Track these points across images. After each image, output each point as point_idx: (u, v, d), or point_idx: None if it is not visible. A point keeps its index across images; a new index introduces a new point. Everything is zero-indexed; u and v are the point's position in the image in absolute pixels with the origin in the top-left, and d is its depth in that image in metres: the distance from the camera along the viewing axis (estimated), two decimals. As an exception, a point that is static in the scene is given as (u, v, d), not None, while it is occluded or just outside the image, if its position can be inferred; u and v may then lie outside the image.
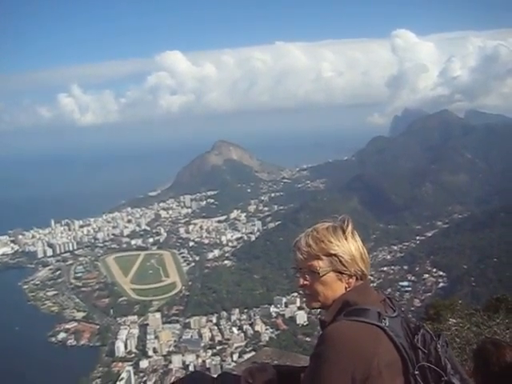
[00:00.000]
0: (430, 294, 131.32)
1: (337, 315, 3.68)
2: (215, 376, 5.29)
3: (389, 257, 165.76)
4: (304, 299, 4.21)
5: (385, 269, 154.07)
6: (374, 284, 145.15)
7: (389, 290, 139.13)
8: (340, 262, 3.72)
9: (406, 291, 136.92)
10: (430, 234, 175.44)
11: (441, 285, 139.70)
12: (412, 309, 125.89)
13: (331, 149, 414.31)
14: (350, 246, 3.82)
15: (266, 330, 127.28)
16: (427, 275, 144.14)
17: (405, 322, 3.60)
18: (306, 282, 3.87)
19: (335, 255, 3.74)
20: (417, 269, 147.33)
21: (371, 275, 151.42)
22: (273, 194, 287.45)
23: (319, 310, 4.07)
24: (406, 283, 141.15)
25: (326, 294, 3.79)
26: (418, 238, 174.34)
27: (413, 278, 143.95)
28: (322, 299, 3.85)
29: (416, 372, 3.34)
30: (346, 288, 3.76)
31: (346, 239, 3.85)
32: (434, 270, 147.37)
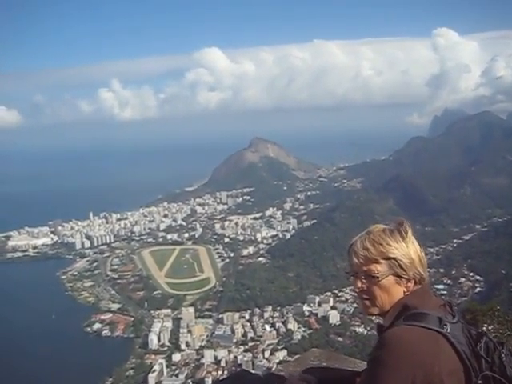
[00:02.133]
0: (466, 298, 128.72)
1: (395, 320, 3.52)
2: (261, 375, 5.24)
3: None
4: (360, 305, 3.98)
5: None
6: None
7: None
8: (399, 265, 3.60)
9: (442, 294, 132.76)
10: (467, 238, 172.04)
11: (477, 289, 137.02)
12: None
13: (369, 148, 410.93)
14: (408, 249, 3.72)
15: (299, 328, 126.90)
16: (464, 279, 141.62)
17: (466, 329, 3.43)
18: (363, 287, 3.70)
19: (394, 259, 3.62)
20: (453, 272, 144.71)
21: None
22: (309, 193, 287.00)
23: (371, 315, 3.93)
24: (441, 286, 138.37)
25: (384, 298, 3.63)
26: (455, 240, 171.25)
27: (449, 281, 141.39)
28: (380, 304, 3.68)
29: (479, 382, 3.17)
30: (404, 292, 3.62)
31: (404, 242, 3.76)
32: (471, 274, 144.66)
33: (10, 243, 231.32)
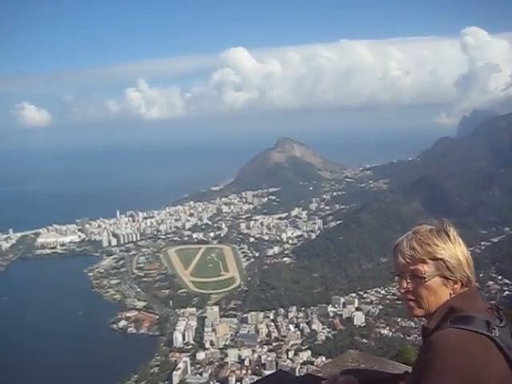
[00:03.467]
0: (494, 301, 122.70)
1: (441, 322, 3.45)
2: (299, 376, 5.20)
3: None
4: (405, 306, 3.95)
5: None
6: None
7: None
8: (446, 266, 3.54)
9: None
10: (496, 240, 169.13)
11: (506, 293, 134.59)
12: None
13: (396, 149, 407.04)
14: (456, 251, 3.65)
15: (323, 329, 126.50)
16: (491, 282, 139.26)
17: None
18: (408, 287, 3.63)
19: (442, 259, 3.55)
20: (481, 275, 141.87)
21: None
22: (335, 193, 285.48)
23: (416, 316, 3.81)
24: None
25: (430, 300, 3.57)
26: (483, 243, 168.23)
27: (476, 284, 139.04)
28: (426, 306, 3.63)
29: None
30: (450, 294, 3.58)
31: (451, 243, 3.66)
32: (499, 277, 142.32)
33: (39, 240, 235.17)
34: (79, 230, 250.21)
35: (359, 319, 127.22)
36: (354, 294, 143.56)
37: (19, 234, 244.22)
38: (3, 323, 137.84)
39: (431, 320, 3.62)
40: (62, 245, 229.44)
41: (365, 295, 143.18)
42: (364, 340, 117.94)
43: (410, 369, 4.45)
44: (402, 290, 3.70)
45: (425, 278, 3.50)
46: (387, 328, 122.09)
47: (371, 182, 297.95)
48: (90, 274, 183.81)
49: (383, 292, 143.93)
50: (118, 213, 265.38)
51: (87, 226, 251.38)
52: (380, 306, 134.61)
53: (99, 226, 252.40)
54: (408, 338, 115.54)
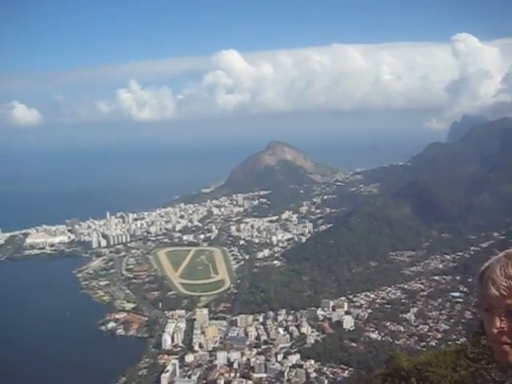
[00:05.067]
0: None
1: None
2: None
3: (441, 266, 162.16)
4: (496, 350, 3.09)
5: (436, 278, 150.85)
6: (425, 293, 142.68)
7: (439, 299, 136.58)
8: None
9: (458, 302, 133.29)
10: (485, 245, 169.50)
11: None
12: (463, 321, 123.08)
13: (386, 153, 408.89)
14: None
15: (312, 332, 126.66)
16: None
17: None
18: (503, 327, 2.91)
19: None
20: (470, 280, 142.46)
21: (421, 283, 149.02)
22: (325, 197, 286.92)
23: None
24: (457, 294, 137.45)
25: None
26: (472, 248, 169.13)
27: (465, 289, 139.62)
28: None
29: None
30: None
31: None
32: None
33: (28, 240, 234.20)
34: (69, 230, 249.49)
35: (348, 323, 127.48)
36: (343, 298, 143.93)
37: (8, 234, 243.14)
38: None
39: None
40: (51, 245, 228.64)
41: (354, 299, 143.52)
42: (353, 344, 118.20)
43: None
44: (495, 331, 2.94)
45: None
46: (376, 332, 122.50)
47: (362, 185, 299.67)
48: (79, 275, 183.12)
49: (373, 296, 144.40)
50: (108, 214, 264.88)
51: (77, 226, 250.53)
52: (369, 310, 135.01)
53: (89, 227, 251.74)
54: (397, 342, 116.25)
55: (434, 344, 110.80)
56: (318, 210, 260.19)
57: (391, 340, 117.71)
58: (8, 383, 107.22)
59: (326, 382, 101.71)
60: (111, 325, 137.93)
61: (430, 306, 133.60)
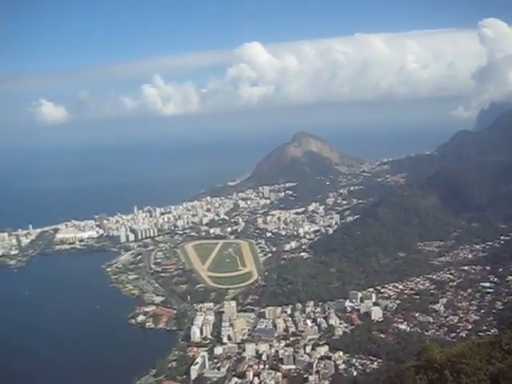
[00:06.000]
0: None
1: None
2: None
3: (470, 256, 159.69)
4: None
5: (466, 268, 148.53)
6: (454, 283, 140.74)
7: (469, 290, 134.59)
8: None
9: (488, 292, 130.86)
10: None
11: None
12: (493, 311, 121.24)
13: (413, 143, 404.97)
14: None
15: (340, 324, 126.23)
16: (511, 277, 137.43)
17: None
18: None
19: None
20: (500, 270, 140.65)
21: (450, 273, 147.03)
22: (352, 188, 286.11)
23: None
24: (487, 284, 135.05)
25: None
26: (502, 237, 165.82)
27: (495, 279, 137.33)
28: None
29: None
30: None
31: None
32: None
33: (58, 236, 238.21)
34: (97, 225, 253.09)
35: (377, 314, 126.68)
36: (371, 289, 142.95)
37: (39, 230, 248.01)
38: (24, 317, 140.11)
39: None
40: (81, 240, 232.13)
41: (382, 290, 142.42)
42: (382, 335, 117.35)
43: None
44: None
45: None
46: (405, 323, 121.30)
47: (388, 176, 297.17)
48: (108, 270, 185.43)
49: (401, 287, 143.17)
50: (135, 208, 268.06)
51: (105, 221, 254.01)
52: (398, 301, 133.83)
53: (117, 222, 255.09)
54: (426, 333, 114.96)
55: (464, 335, 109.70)
56: (344, 202, 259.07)
57: (420, 331, 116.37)
58: (44, 367, 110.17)
59: (355, 373, 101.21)
60: (141, 318, 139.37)
61: (459, 297, 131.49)
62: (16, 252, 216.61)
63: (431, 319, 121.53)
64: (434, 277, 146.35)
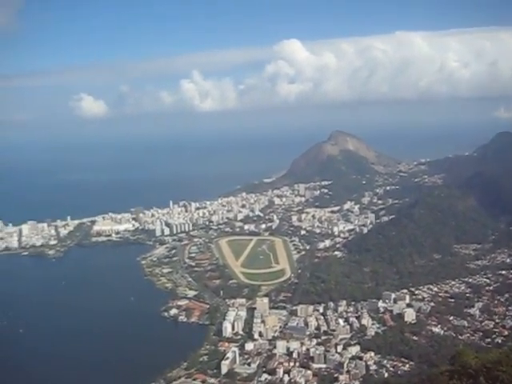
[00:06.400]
0: None
1: None
2: None
3: (508, 260, 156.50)
4: None
5: (503, 272, 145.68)
6: (491, 288, 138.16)
7: (506, 295, 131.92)
8: None
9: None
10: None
11: None
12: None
13: (452, 143, 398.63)
14: None
15: (373, 324, 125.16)
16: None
17: None
18: None
19: None
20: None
21: (487, 277, 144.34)
22: (388, 187, 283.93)
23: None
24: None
25: None
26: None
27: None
28: None
29: None
30: None
31: None
32: None
33: (95, 228, 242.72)
34: (133, 218, 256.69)
35: (410, 316, 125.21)
36: (405, 290, 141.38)
37: (76, 222, 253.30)
38: (61, 306, 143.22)
39: None
40: (117, 233, 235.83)
41: (416, 292, 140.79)
42: (414, 337, 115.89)
43: None
44: None
45: None
46: (439, 326, 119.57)
47: (426, 176, 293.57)
48: (143, 262, 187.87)
49: (435, 289, 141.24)
50: (171, 203, 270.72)
51: (141, 215, 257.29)
52: (432, 304, 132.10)
53: (153, 216, 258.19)
54: (460, 337, 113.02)
55: (499, 341, 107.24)
56: (380, 201, 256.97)
57: (454, 335, 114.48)
58: (83, 353, 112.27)
59: (386, 375, 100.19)
60: (173, 311, 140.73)
61: (496, 302, 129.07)
62: (55, 242, 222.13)
63: (466, 323, 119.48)
64: (470, 280, 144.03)
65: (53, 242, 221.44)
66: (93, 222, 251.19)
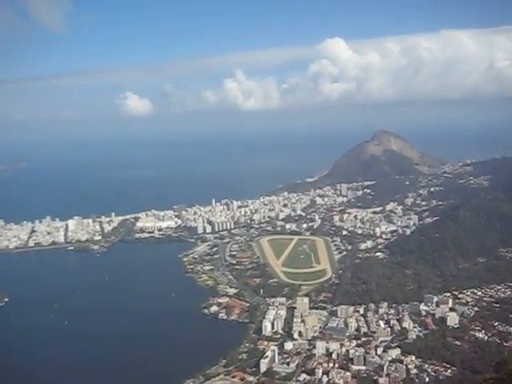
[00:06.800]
0: None
1: None
2: None
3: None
4: None
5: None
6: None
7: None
8: None
9: None
10: None
11: None
12: None
13: (499, 144, 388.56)
14: None
15: (414, 327, 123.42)
16: None
17: None
18: None
19: None
20: None
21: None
22: (432, 189, 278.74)
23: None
24: None
25: None
26: None
27: None
28: None
29: None
30: None
31: None
32: None
33: (138, 224, 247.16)
34: (176, 216, 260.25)
35: (453, 320, 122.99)
36: (448, 294, 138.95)
37: (120, 218, 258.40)
38: (104, 302, 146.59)
39: None
40: (160, 230, 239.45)
41: (460, 295, 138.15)
42: (457, 342, 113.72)
43: None
44: None
45: None
46: (483, 331, 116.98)
47: (471, 178, 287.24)
48: (185, 259, 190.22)
49: (480, 293, 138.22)
50: (213, 201, 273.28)
51: (184, 212, 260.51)
52: (476, 308, 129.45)
53: (195, 213, 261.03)
54: (505, 344, 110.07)
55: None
56: (423, 202, 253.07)
57: (499, 341, 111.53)
58: (122, 350, 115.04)
59: (427, 379, 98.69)
60: (214, 308, 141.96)
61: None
62: (99, 238, 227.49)
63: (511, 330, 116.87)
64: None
65: (97, 238, 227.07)
66: (136, 219, 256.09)
